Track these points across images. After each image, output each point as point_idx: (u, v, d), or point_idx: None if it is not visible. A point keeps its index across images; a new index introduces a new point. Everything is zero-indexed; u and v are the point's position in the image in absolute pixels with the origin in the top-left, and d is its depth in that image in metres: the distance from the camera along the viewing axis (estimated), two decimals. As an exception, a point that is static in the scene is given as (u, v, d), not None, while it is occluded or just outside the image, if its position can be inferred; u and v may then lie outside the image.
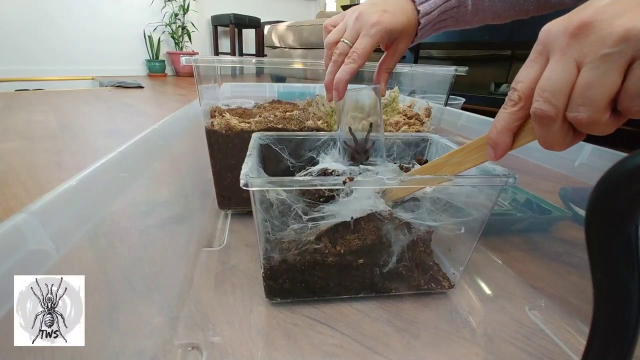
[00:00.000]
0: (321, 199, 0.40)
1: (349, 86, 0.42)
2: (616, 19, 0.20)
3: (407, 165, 0.49)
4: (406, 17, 0.42)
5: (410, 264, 0.45)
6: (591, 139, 0.49)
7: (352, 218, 0.39)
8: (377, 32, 0.39)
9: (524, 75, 0.25)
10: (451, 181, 0.37)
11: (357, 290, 0.45)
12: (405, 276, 0.45)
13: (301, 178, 0.35)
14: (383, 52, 0.46)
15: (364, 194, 0.40)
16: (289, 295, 0.43)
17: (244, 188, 0.34)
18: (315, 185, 0.35)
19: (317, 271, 0.42)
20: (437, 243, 0.50)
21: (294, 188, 0.36)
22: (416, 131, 0.62)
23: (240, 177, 0.34)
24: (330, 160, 0.49)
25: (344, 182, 0.35)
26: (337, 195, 0.39)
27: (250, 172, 0.35)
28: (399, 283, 0.45)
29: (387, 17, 0.40)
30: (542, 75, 0.24)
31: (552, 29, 0.23)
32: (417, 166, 0.46)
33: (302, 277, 0.43)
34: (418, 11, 0.43)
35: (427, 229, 0.44)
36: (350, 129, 0.43)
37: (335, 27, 0.44)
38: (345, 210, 0.40)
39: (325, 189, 0.38)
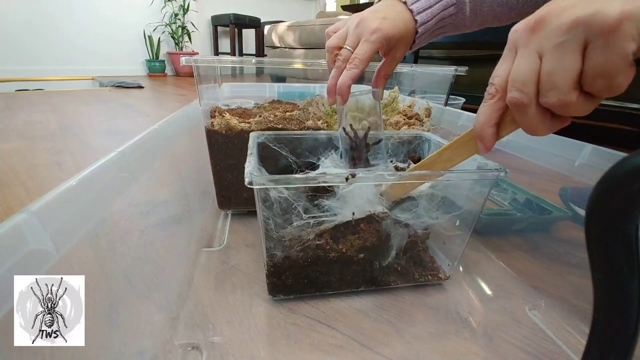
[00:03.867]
0: (323, 196, 0.40)
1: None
2: (566, 11, 0.23)
3: (401, 166, 0.49)
4: (404, 26, 0.43)
5: (407, 261, 0.46)
6: (592, 139, 0.49)
7: (353, 214, 0.40)
8: (377, 39, 0.40)
9: (499, 70, 0.28)
10: (446, 176, 0.38)
11: (358, 284, 0.45)
12: (403, 270, 0.46)
13: (304, 176, 0.36)
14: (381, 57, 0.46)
15: (365, 194, 0.41)
16: (292, 292, 0.44)
17: (249, 186, 0.34)
18: (319, 182, 0.36)
19: (319, 267, 0.43)
20: (432, 237, 0.50)
21: (298, 186, 0.37)
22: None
23: (245, 175, 0.34)
24: (330, 165, 0.49)
25: (347, 179, 0.35)
26: (337, 191, 0.40)
27: (253, 171, 0.36)
28: (398, 276, 0.46)
29: (387, 24, 0.41)
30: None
31: (517, 29, 0.26)
32: (412, 165, 0.47)
33: (305, 273, 0.43)
34: (416, 20, 0.43)
35: (424, 230, 0.45)
36: (350, 125, 0.43)
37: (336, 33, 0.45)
38: (345, 208, 0.40)
39: (327, 186, 0.39)
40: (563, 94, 0.23)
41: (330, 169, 0.48)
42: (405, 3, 0.44)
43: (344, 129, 0.44)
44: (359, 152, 0.44)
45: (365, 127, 0.44)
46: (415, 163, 0.48)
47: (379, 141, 0.44)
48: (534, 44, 0.25)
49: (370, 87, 0.46)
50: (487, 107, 0.29)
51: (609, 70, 0.22)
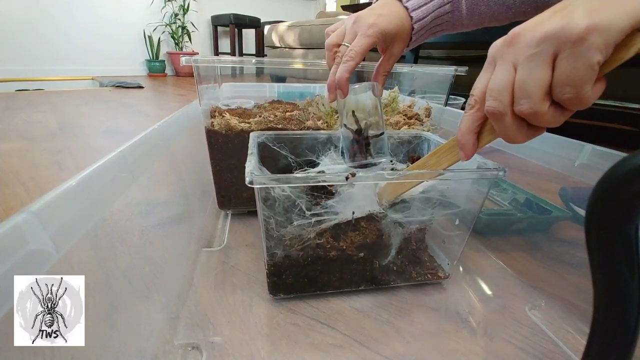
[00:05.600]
0: (323, 195, 0.40)
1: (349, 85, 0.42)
2: (538, 25, 0.25)
3: (400, 166, 0.50)
4: (400, 22, 0.44)
5: (406, 259, 0.46)
6: (592, 139, 0.49)
7: (353, 213, 0.40)
8: (374, 33, 0.41)
9: (478, 82, 0.29)
10: (444, 176, 0.38)
11: (358, 284, 0.45)
12: (402, 269, 0.46)
13: (305, 175, 0.36)
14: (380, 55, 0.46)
15: (363, 191, 0.41)
16: (292, 291, 0.44)
17: (249, 186, 0.34)
18: (319, 181, 0.36)
19: (320, 266, 0.43)
20: (432, 236, 0.50)
21: (298, 185, 0.37)
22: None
23: (245, 174, 0.35)
24: (329, 163, 0.49)
25: (347, 178, 0.35)
26: (337, 190, 0.40)
27: (254, 170, 0.36)
28: (397, 275, 0.46)
29: (383, 20, 0.42)
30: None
31: (496, 43, 0.28)
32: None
33: (305, 272, 0.43)
34: (411, 17, 0.44)
35: (419, 226, 0.45)
36: (353, 111, 0.44)
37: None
38: (345, 207, 0.40)
39: (327, 185, 0.39)
40: (535, 102, 0.25)
41: (330, 166, 0.48)
42: (400, 1, 0.45)
43: (345, 125, 0.44)
44: (360, 146, 0.44)
45: (367, 124, 0.44)
46: (414, 162, 0.48)
47: (381, 134, 0.45)
48: (509, 56, 0.26)
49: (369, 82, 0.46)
50: (468, 117, 0.30)
51: (575, 79, 0.23)
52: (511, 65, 0.26)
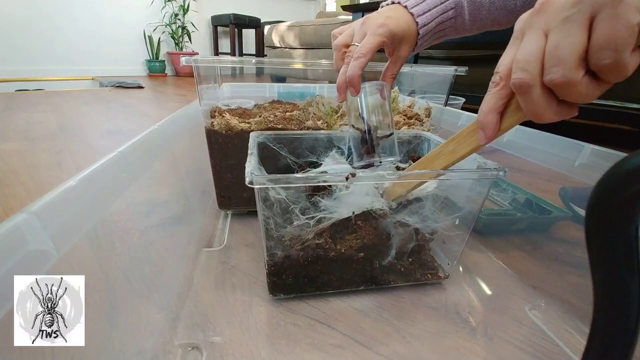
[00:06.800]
0: (324, 197, 0.40)
1: None
2: None
3: (403, 166, 0.49)
4: (407, 25, 0.45)
5: (412, 263, 0.46)
6: (592, 139, 0.49)
7: (353, 213, 0.40)
8: (383, 32, 0.42)
9: (504, 59, 0.27)
10: (446, 175, 0.38)
11: (358, 284, 0.45)
12: (403, 269, 0.46)
13: (305, 175, 0.36)
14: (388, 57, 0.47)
15: (363, 190, 0.41)
16: (292, 291, 0.44)
17: (249, 186, 0.34)
18: (319, 181, 0.36)
19: (320, 266, 0.43)
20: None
21: (298, 185, 0.37)
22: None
23: (245, 174, 0.35)
24: (332, 163, 0.49)
25: (347, 178, 0.35)
26: (336, 188, 0.40)
27: (254, 170, 0.36)
28: (397, 275, 0.46)
29: (392, 21, 0.43)
30: None
31: (523, 16, 0.26)
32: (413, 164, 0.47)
33: (305, 272, 0.43)
34: (417, 22, 0.45)
35: (431, 234, 0.45)
36: (360, 114, 0.44)
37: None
38: (344, 206, 0.40)
39: (327, 186, 0.39)
40: (568, 69, 0.22)
41: (332, 166, 0.48)
42: (406, 7, 0.46)
43: (352, 125, 0.45)
44: (368, 146, 0.44)
45: (376, 125, 0.44)
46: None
47: (390, 134, 0.44)
48: (539, 23, 0.24)
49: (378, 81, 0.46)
50: (491, 95, 0.28)
51: (616, 42, 0.21)
52: (542, 33, 0.24)
